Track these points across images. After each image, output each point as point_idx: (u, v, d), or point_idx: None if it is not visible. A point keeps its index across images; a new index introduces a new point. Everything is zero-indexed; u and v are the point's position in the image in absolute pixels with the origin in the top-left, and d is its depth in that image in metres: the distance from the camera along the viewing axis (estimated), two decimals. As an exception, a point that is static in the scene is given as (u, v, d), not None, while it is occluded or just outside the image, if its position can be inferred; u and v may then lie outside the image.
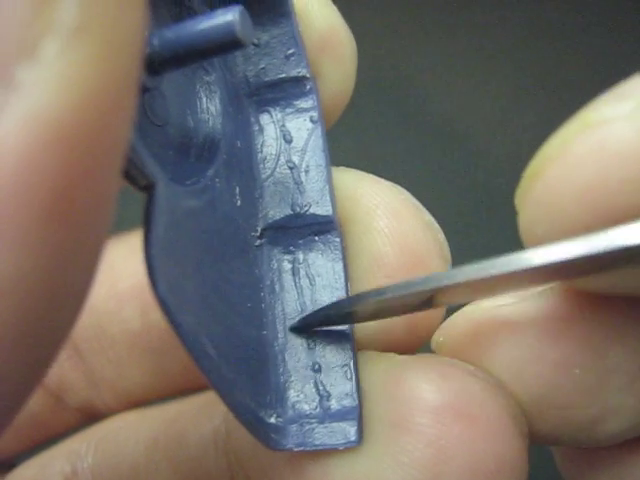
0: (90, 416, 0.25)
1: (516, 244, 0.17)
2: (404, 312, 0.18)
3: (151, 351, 0.24)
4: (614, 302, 0.18)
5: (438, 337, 0.20)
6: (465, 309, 0.20)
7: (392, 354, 0.19)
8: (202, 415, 0.22)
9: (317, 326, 0.19)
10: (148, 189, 0.16)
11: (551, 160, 0.15)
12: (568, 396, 0.18)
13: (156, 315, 0.20)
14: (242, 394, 0.18)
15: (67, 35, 0.11)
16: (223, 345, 0.17)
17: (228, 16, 0.16)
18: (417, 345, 0.20)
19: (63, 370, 0.25)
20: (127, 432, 0.24)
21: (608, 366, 0.18)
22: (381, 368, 0.19)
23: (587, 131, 0.15)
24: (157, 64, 0.17)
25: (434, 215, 0.21)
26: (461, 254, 0.18)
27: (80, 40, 0.11)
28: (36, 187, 0.11)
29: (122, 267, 0.24)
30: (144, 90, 0.18)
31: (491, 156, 0.39)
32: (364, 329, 0.20)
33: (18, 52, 0.11)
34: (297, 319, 0.19)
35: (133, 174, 0.16)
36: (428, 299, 0.17)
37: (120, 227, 0.20)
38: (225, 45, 0.17)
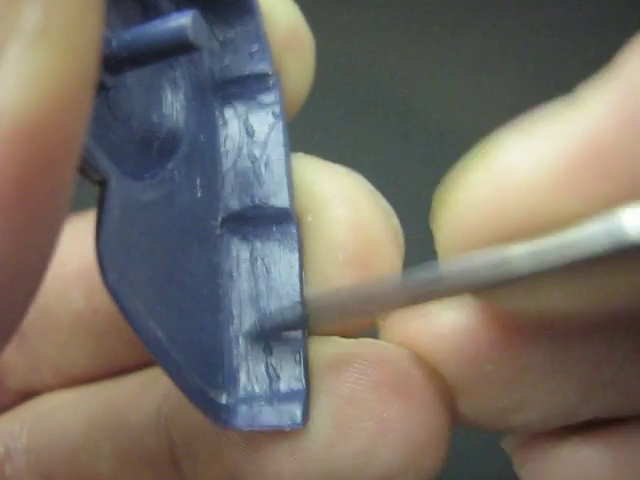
0: (29, 397, 0.25)
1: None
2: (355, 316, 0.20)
3: (95, 333, 0.24)
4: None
5: (380, 325, 0.21)
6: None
7: (337, 337, 0.21)
8: (143, 393, 0.23)
9: (273, 332, 0.20)
10: (101, 184, 0.17)
11: (456, 187, 0.17)
12: (481, 388, 0.20)
13: (100, 297, 0.20)
14: (192, 375, 0.19)
15: (29, 38, 0.12)
16: (174, 329, 0.19)
17: (181, 20, 0.17)
18: (361, 331, 0.21)
19: (4, 352, 0.25)
20: (64, 411, 0.24)
21: (520, 364, 0.19)
22: (328, 349, 0.20)
23: (488, 163, 0.16)
24: (115, 64, 0.18)
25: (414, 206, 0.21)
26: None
27: (41, 43, 0.12)
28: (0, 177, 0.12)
29: (68, 249, 0.24)
30: (104, 88, 0.19)
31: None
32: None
33: None
34: (252, 323, 0.21)
35: (86, 170, 0.17)
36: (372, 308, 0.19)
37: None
38: (179, 48, 0.18)
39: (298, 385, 0.20)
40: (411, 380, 0.20)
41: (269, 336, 0.20)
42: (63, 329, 0.24)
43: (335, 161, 0.22)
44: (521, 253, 0.15)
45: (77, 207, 0.18)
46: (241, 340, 0.20)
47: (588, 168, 0.14)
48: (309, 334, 0.21)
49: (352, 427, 0.19)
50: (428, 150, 0.42)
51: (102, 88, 0.19)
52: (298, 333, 0.20)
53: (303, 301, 0.20)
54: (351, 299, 0.19)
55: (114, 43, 0.18)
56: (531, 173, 0.15)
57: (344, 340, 0.21)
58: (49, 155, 0.13)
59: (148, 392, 0.23)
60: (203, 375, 0.19)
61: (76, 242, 0.23)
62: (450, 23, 0.48)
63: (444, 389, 0.20)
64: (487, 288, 0.17)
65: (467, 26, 0.48)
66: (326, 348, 0.20)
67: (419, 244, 0.21)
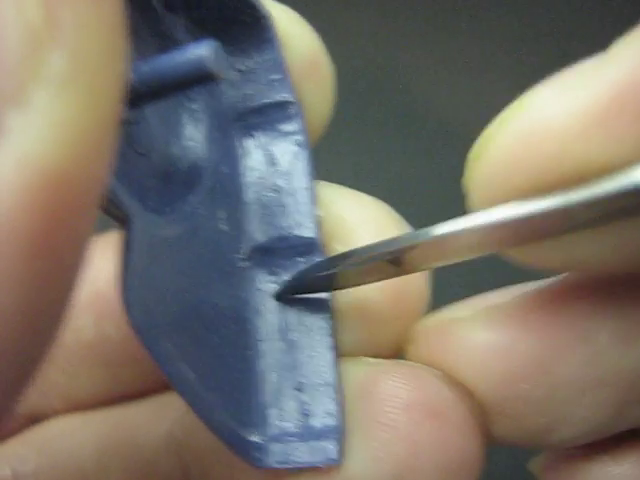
0: (37, 422, 0.25)
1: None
2: (379, 278, 0.19)
3: (104, 362, 0.23)
4: (557, 321, 0.19)
5: (407, 343, 0.21)
6: (426, 321, 0.21)
7: (367, 358, 0.20)
8: (154, 417, 0.22)
9: (298, 292, 0.20)
10: (124, 221, 0.17)
11: (490, 139, 0.17)
12: (517, 408, 0.19)
13: (110, 325, 0.19)
14: (222, 414, 0.18)
15: (56, 84, 0.12)
16: (203, 368, 0.18)
17: (201, 50, 0.17)
18: (392, 354, 0.21)
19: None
20: (73, 435, 0.23)
21: (554, 381, 0.19)
22: (358, 370, 0.20)
23: (521, 112, 0.16)
24: (134, 98, 0.18)
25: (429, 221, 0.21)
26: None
27: (68, 89, 0.12)
28: (25, 227, 0.12)
29: None
30: (124, 123, 0.18)
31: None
32: (346, 342, 0.20)
33: (9, 99, 0.12)
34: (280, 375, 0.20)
35: (109, 208, 0.16)
36: (397, 260, 0.18)
37: None
38: (198, 79, 0.17)
39: (332, 421, 0.19)
40: (443, 401, 0.19)
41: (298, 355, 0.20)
42: (72, 357, 0.23)
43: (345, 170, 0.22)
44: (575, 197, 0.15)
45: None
46: (272, 375, 0.20)
47: (621, 113, 0.15)
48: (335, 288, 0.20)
49: (384, 451, 0.19)
50: (445, 158, 0.42)
51: (122, 123, 0.18)
52: (330, 362, 0.20)
53: (335, 335, 0.20)
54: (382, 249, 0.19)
55: (133, 77, 0.18)
56: (565, 118, 0.15)
57: (373, 360, 0.20)
58: (75, 203, 0.12)
59: (159, 416, 0.22)
60: (233, 413, 0.19)
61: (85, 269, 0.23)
62: (456, 26, 0.48)
63: (477, 410, 0.19)
64: (517, 240, 0.17)
65: (474, 29, 0.47)
66: (355, 370, 0.20)
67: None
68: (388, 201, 0.22)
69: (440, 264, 0.19)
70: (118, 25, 0.13)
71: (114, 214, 0.17)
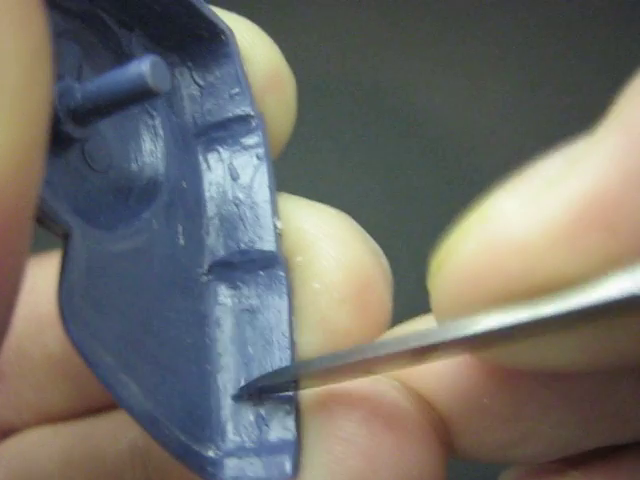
0: (7, 434, 0.25)
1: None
2: (350, 378, 0.19)
3: (72, 375, 0.23)
4: None
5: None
6: (388, 333, 0.20)
7: None
8: (118, 429, 0.22)
9: (259, 392, 0.20)
10: (64, 237, 0.17)
11: (453, 249, 0.16)
12: (478, 423, 0.19)
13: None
14: (172, 429, 0.18)
15: None
16: (152, 382, 0.18)
17: (140, 67, 0.17)
18: None
19: None
20: (40, 448, 0.24)
21: (518, 397, 0.18)
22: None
23: (484, 224, 0.15)
24: (82, 115, 0.18)
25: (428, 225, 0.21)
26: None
27: None
28: None
29: (42, 290, 0.23)
30: (74, 140, 0.18)
31: (485, 170, 0.38)
32: (305, 355, 0.20)
33: None
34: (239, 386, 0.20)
35: (48, 224, 0.17)
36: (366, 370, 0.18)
37: (42, 247, 0.21)
38: (140, 95, 0.17)
39: (288, 435, 0.19)
40: (403, 413, 0.19)
41: (258, 396, 0.20)
42: (39, 371, 0.24)
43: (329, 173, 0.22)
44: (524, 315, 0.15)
45: (49, 247, 0.18)
46: (229, 390, 0.20)
47: (589, 227, 0.14)
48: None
49: (341, 465, 0.18)
50: (463, 181, 0.42)
51: (72, 140, 0.19)
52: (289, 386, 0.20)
53: (293, 349, 0.20)
54: (343, 361, 0.18)
55: (79, 95, 0.18)
56: (530, 233, 0.15)
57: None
58: (4, 218, 0.13)
59: (123, 428, 0.22)
60: (187, 428, 0.19)
61: (50, 283, 0.23)
62: (455, 31, 0.47)
63: (438, 423, 0.19)
64: (484, 347, 0.16)
65: (472, 34, 0.47)
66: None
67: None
68: (384, 206, 0.22)
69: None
70: (42, 50, 0.13)
71: (52, 229, 0.17)
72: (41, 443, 0.24)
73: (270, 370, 0.20)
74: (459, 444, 0.19)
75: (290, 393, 0.19)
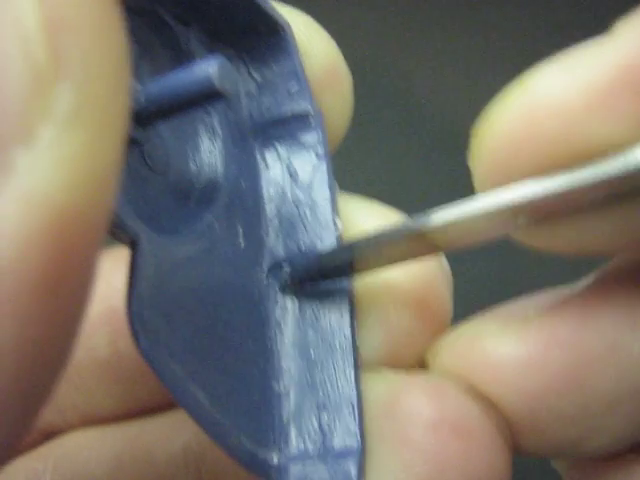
0: (52, 437, 0.25)
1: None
2: (402, 259, 0.19)
3: (120, 378, 0.23)
4: (587, 332, 0.18)
5: (431, 356, 0.20)
6: (451, 333, 0.20)
7: (388, 371, 0.20)
8: (171, 431, 0.22)
9: (312, 278, 0.20)
10: (131, 245, 0.17)
11: (494, 118, 0.17)
12: (546, 423, 0.18)
13: (125, 343, 0.19)
14: (238, 436, 0.18)
15: (62, 121, 0.12)
16: (217, 389, 0.18)
17: (207, 69, 0.17)
18: (414, 365, 0.20)
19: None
20: (88, 450, 0.23)
21: (586, 395, 0.18)
22: (379, 386, 0.19)
23: (524, 91, 0.16)
24: (145, 118, 0.18)
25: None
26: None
27: (74, 126, 0.12)
28: (31, 265, 0.12)
29: None
30: (136, 143, 0.18)
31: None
32: (366, 353, 0.20)
33: (15, 137, 0.12)
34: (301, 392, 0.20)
35: (115, 232, 0.16)
36: (422, 241, 0.18)
37: None
38: (206, 97, 0.17)
39: (353, 441, 0.19)
40: (469, 418, 0.18)
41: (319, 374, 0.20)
42: (87, 375, 0.23)
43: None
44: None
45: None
46: (292, 394, 0.20)
47: (623, 92, 0.15)
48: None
49: (407, 472, 0.18)
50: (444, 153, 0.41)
51: (134, 143, 0.18)
52: (351, 381, 0.19)
53: (355, 352, 0.20)
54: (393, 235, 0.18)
55: (142, 98, 0.18)
56: (567, 96, 0.16)
57: (394, 375, 0.20)
58: (81, 238, 0.12)
59: (176, 430, 0.22)
60: (251, 434, 0.18)
61: (99, 284, 0.23)
62: (459, 25, 0.47)
63: (504, 425, 0.19)
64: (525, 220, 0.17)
65: (477, 27, 0.47)
66: (376, 385, 0.19)
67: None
68: (391, 201, 0.21)
69: (461, 245, 0.18)
70: (122, 58, 0.13)
71: (121, 238, 0.16)
72: (89, 446, 0.23)
73: (332, 376, 0.20)
74: (525, 443, 0.19)
75: (354, 397, 0.19)
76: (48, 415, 0.24)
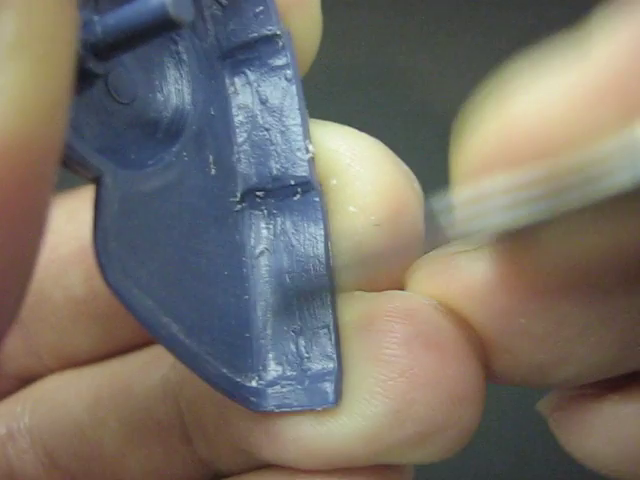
0: (30, 383, 0.24)
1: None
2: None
3: (96, 317, 0.23)
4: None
5: (407, 276, 0.20)
6: (427, 255, 0.20)
7: (361, 293, 0.20)
8: (148, 365, 0.22)
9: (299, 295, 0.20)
10: (95, 181, 0.16)
11: (469, 137, 0.16)
12: (516, 343, 0.19)
13: (99, 280, 0.19)
14: (215, 364, 0.18)
15: (5, 50, 0.12)
16: (192, 319, 0.18)
17: None
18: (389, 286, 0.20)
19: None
20: (67, 389, 0.23)
21: (555, 318, 0.18)
22: (353, 308, 0.20)
23: (499, 113, 0.16)
24: (103, 50, 0.17)
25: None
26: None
27: (18, 55, 0.12)
28: None
29: (63, 230, 0.23)
30: (97, 76, 0.18)
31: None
32: (341, 277, 0.20)
33: None
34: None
35: (77, 168, 0.16)
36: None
37: (61, 188, 0.20)
38: (162, 27, 0.17)
39: (330, 364, 0.19)
40: (441, 332, 0.19)
41: (295, 299, 0.20)
42: (62, 314, 0.23)
43: None
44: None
45: (71, 185, 0.17)
46: (269, 319, 0.20)
47: (601, 109, 0.14)
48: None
49: (382, 387, 0.18)
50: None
51: (96, 77, 0.18)
52: (327, 305, 0.19)
53: (330, 276, 0.20)
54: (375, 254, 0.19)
55: (99, 29, 0.17)
56: (545, 115, 0.15)
57: (368, 295, 0.20)
58: (32, 164, 0.12)
59: (155, 363, 0.22)
60: (229, 361, 0.19)
61: (71, 223, 0.23)
62: (458, 23, 0.47)
63: (477, 341, 0.19)
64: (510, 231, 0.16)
65: (476, 26, 0.46)
66: (351, 308, 0.20)
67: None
68: None
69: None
70: None
71: (82, 173, 0.16)
72: (67, 385, 0.23)
73: (308, 301, 0.20)
74: (496, 366, 0.19)
75: (330, 320, 0.19)
76: (25, 359, 0.24)
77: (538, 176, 0.15)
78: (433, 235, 0.17)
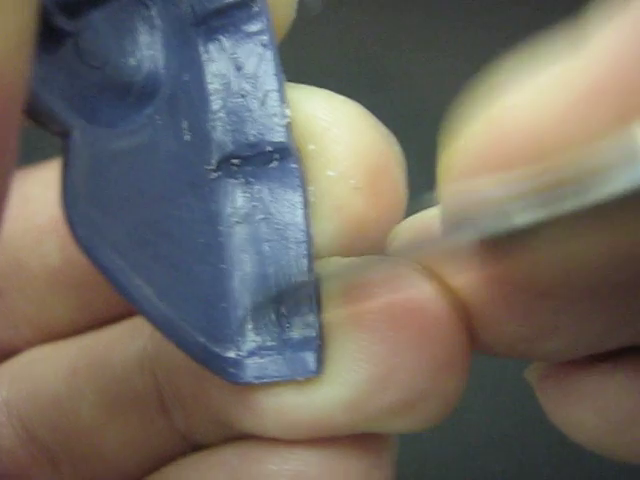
0: (8, 355, 0.24)
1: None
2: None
3: (74, 286, 0.22)
4: None
5: (389, 239, 0.20)
6: (409, 218, 0.20)
7: (339, 258, 0.19)
8: (125, 336, 0.22)
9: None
10: (64, 136, 0.16)
11: (458, 138, 0.16)
12: (499, 311, 0.18)
13: (76, 249, 0.19)
14: (191, 331, 0.18)
15: None
16: (166, 284, 0.18)
17: None
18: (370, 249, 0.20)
19: None
20: (44, 362, 0.23)
21: (540, 288, 0.17)
22: (333, 272, 0.19)
23: (493, 110, 0.15)
24: (72, 6, 0.17)
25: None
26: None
27: None
28: None
29: (39, 199, 0.22)
30: (68, 34, 0.17)
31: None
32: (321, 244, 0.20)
33: None
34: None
35: (46, 122, 0.16)
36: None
37: (35, 158, 0.20)
38: None
39: (310, 331, 0.19)
40: (424, 296, 0.18)
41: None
42: (39, 284, 0.23)
43: None
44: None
45: (46, 156, 0.17)
46: (247, 289, 0.19)
47: (598, 107, 0.14)
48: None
49: (364, 353, 0.18)
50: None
51: (64, 35, 0.17)
52: (307, 272, 0.19)
53: (309, 243, 0.19)
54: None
55: None
56: (539, 114, 0.14)
57: (346, 260, 0.19)
58: None
59: (133, 334, 0.22)
60: (205, 329, 0.18)
61: (47, 192, 0.22)
62: (457, 21, 0.47)
63: (460, 307, 0.18)
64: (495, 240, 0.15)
65: (476, 24, 0.46)
66: (329, 269, 0.19)
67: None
68: None
69: None
70: None
71: (51, 128, 0.16)
72: (44, 358, 0.23)
73: (286, 269, 0.19)
74: (482, 335, 0.19)
75: (310, 288, 0.19)
76: (2, 332, 0.24)
77: (531, 176, 0.14)
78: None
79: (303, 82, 0.21)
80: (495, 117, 0.15)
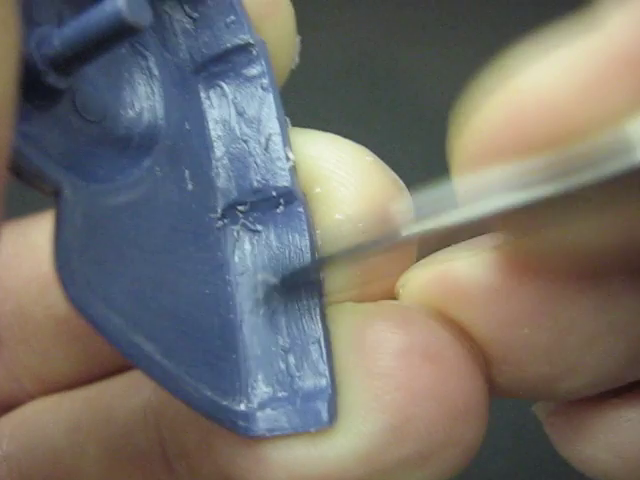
0: (9, 408, 0.23)
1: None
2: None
3: (78, 337, 0.22)
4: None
5: (400, 285, 0.19)
6: (420, 263, 0.19)
7: (352, 303, 0.19)
8: (130, 389, 0.21)
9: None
10: (55, 195, 0.16)
11: (476, 110, 0.15)
12: (520, 355, 0.17)
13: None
14: (197, 386, 0.17)
15: None
16: (169, 339, 0.17)
17: (116, 2, 0.16)
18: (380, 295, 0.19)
19: None
20: (46, 415, 0.22)
21: (561, 326, 0.17)
22: (345, 319, 0.19)
23: (510, 85, 0.15)
24: (63, 64, 0.17)
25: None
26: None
27: None
28: None
29: (44, 248, 0.21)
30: (61, 92, 0.17)
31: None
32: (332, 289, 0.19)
33: None
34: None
35: (34, 182, 0.16)
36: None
37: (41, 206, 0.19)
38: (119, 33, 0.16)
39: (322, 381, 0.18)
40: (440, 342, 0.18)
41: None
42: (43, 335, 0.22)
43: None
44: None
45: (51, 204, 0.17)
46: (256, 339, 0.19)
47: (614, 82, 0.13)
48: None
49: (379, 402, 0.17)
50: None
51: (59, 92, 0.17)
52: (316, 318, 0.18)
53: (320, 289, 0.19)
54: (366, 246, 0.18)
55: (56, 42, 0.17)
56: (557, 89, 0.14)
57: (361, 307, 0.19)
58: None
59: (136, 388, 0.21)
60: (213, 384, 0.18)
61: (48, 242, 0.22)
62: (456, 18, 0.47)
63: (478, 352, 0.18)
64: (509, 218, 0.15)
65: (474, 22, 0.46)
66: (342, 319, 0.19)
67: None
68: None
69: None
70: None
71: (41, 188, 0.16)
72: (47, 410, 0.22)
73: (296, 317, 0.19)
74: (499, 378, 0.18)
75: (320, 334, 0.18)
76: (5, 385, 0.23)
77: (542, 160, 0.14)
78: (426, 237, 0.17)
79: (303, 82, 0.20)
80: (513, 97, 0.15)
